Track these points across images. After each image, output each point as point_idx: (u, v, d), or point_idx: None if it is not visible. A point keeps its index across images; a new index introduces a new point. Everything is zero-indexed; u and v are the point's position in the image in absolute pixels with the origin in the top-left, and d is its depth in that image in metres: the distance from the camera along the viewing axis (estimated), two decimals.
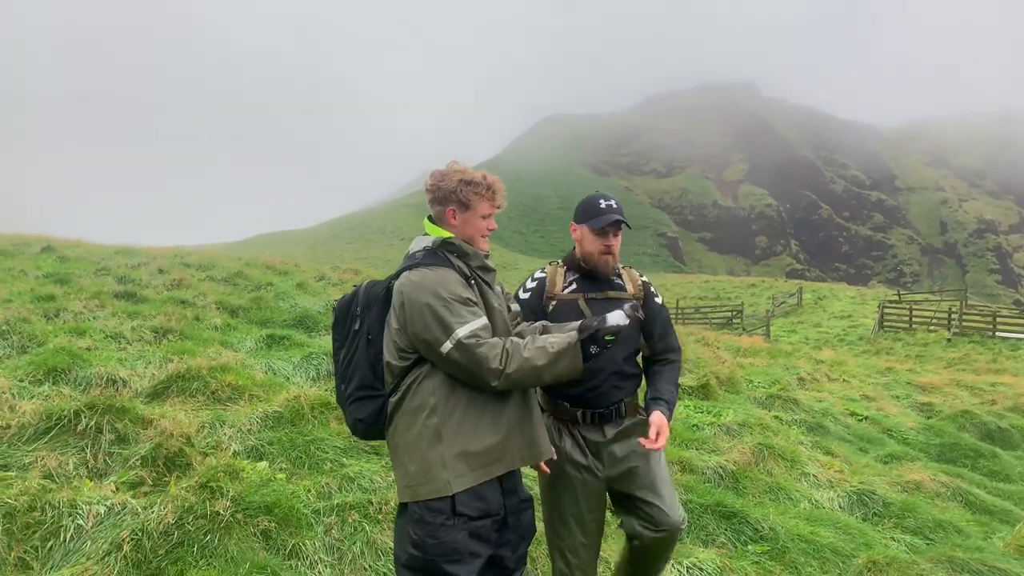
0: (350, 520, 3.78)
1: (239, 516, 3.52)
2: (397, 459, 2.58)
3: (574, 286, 3.19)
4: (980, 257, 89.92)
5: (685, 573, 4.03)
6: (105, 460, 4.18)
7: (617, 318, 2.61)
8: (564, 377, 2.55)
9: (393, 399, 2.59)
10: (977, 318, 31.87)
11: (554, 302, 3.16)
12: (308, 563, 3.46)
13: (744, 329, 30.39)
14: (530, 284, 3.25)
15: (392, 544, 3.75)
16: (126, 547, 3.08)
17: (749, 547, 4.51)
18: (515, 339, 2.56)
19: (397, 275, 2.64)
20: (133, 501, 3.48)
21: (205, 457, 4.31)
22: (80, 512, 3.35)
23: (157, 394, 5.64)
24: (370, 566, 3.54)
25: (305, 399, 5.37)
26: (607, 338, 2.60)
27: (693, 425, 7.39)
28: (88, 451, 4.19)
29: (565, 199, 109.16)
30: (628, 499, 3.09)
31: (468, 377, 2.50)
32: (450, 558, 2.45)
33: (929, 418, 10.41)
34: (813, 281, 67.43)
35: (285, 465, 4.55)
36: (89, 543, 3.20)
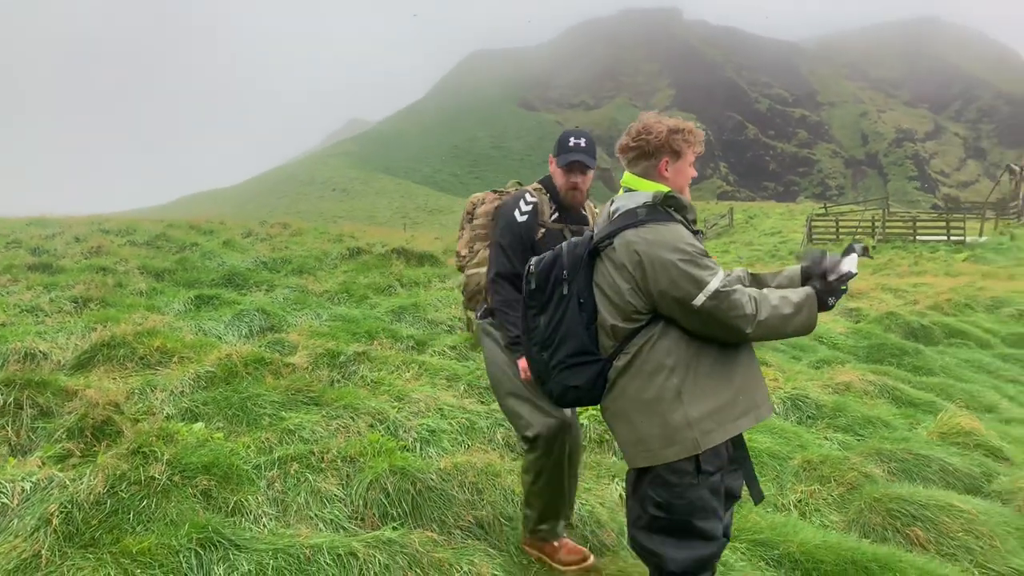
0: (292, 472, 3.74)
1: (176, 479, 3.44)
2: (625, 423, 2.50)
3: (557, 216, 3.33)
4: (899, 166, 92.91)
5: (618, 489, 4.13)
6: (28, 436, 4.02)
7: (851, 264, 2.51)
8: (801, 330, 2.49)
9: (619, 363, 2.49)
10: (899, 224, 33.11)
11: (543, 230, 3.27)
12: (252, 518, 3.41)
13: None
14: (525, 207, 3.33)
15: (337, 490, 3.77)
16: (55, 521, 2.97)
17: None
18: (754, 288, 2.51)
19: (609, 236, 2.51)
20: (60, 474, 3.36)
21: (136, 423, 4.19)
22: (3, 491, 3.22)
23: (82, 365, 5.44)
24: (316, 514, 3.52)
25: (238, 356, 5.26)
26: (842, 288, 2.51)
27: None
28: (9, 428, 4.02)
29: (498, 138, 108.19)
30: None
31: (719, 328, 2.41)
32: (699, 516, 2.44)
33: (857, 322, 10.82)
34: (744, 201, 68.84)
35: (222, 424, 4.46)
36: (16, 521, 3.08)
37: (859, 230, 32.90)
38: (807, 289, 2.49)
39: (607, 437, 4.93)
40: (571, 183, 3.31)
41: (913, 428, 5.87)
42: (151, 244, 12.47)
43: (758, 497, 2.68)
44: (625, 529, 3.81)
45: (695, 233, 2.53)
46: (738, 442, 2.57)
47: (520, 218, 3.29)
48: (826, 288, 2.49)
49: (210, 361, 5.18)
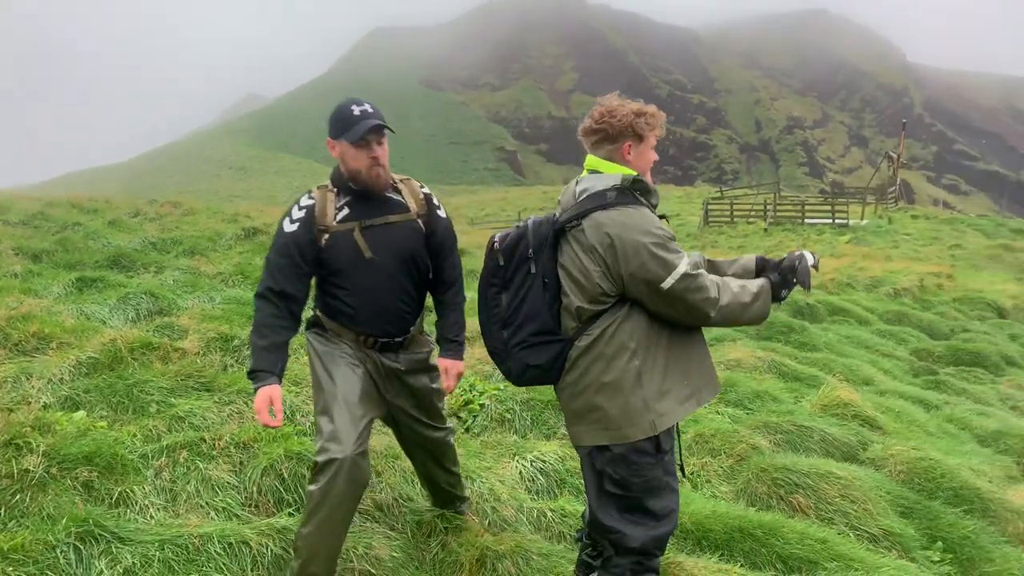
0: (182, 460, 3.60)
1: (54, 471, 3.25)
2: (581, 402, 2.55)
3: (346, 212, 2.84)
4: (790, 152, 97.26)
5: (528, 466, 4.18)
6: None
7: (811, 258, 2.64)
8: (756, 319, 2.58)
9: (581, 343, 2.51)
10: (789, 208, 34.68)
11: (327, 235, 2.80)
12: (138, 509, 3.27)
13: None
14: (297, 214, 2.82)
15: (229, 477, 3.65)
16: None
17: None
18: (714, 276, 2.55)
19: (577, 217, 2.51)
20: None
21: (9, 414, 3.93)
22: None
23: None
24: (207, 503, 3.40)
25: (123, 341, 4.99)
26: (794, 281, 2.60)
27: None
28: None
29: (402, 118, 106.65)
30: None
31: (685, 310, 2.47)
32: (655, 494, 2.55)
33: None
34: None
35: (106, 412, 4.23)
36: None
37: (752, 212, 34.29)
38: (763, 280, 2.59)
39: (508, 416, 4.98)
40: (372, 157, 2.80)
41: (798, 401, 6.18)
42: (27, 223, 11.68)
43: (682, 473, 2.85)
44: (524, 506, 3.90)
45: (660, 218, 2.57)
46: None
47: (289, 227, 2.81)
48: (781, 281, 2.59)
49: (93, 347, 4.90)
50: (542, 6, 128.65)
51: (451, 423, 3.44)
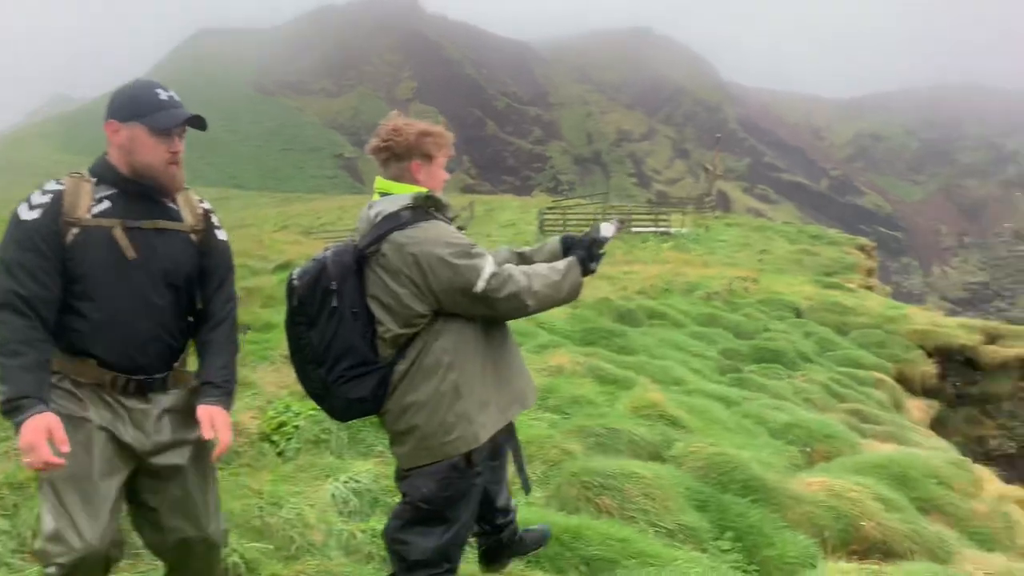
0: None
1: None
2: (404, 424, 2.52)
3: (106, 206, 2.32)
4: (620, 163, 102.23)
5: (342, 487, 4.10)
6: None
7: (607, 230, 2.75)
8: (572, 294, 2.63)
9: (401, 367, 2.50)
10: (617, 216, 36.29)
11: (75, 229, 2.26)
12: None
13: None
14: (38, 199, 2.28)
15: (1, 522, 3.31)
16: None
17: None
18: (521, 266, 2.59)
19: (375, 240, 2.47)
20: None
21: None
22: None
23: None
24: None
25: None
26: (600, 252, 2.70)
27: None
28: None
29: (231, 121, 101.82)
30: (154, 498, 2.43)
31: (504, 307, 2.50)
32: (454, 506, 2.55)
33: (575, 308, 11.72)
34: (485, 194, 71.57)
35: None
36: None
37: (584, 222, 35.68)
38: (570, 258, 2.66)
39: (325, 437, 4.86)
40: (172, 152, 2.37)
41: (612, 404, 6.46)
42: None
43: (527, 488, 2.98)
44: (334, 529, 3.82)
45: (459, 229, 2.60)
46: (509, 429, 2.75)
47: (27, 215, 2.24)
48: (587, 255, 2.68)
49: None
50: (378, 14, 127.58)
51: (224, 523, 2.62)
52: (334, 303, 2.47)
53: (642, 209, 44.39)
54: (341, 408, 2.57)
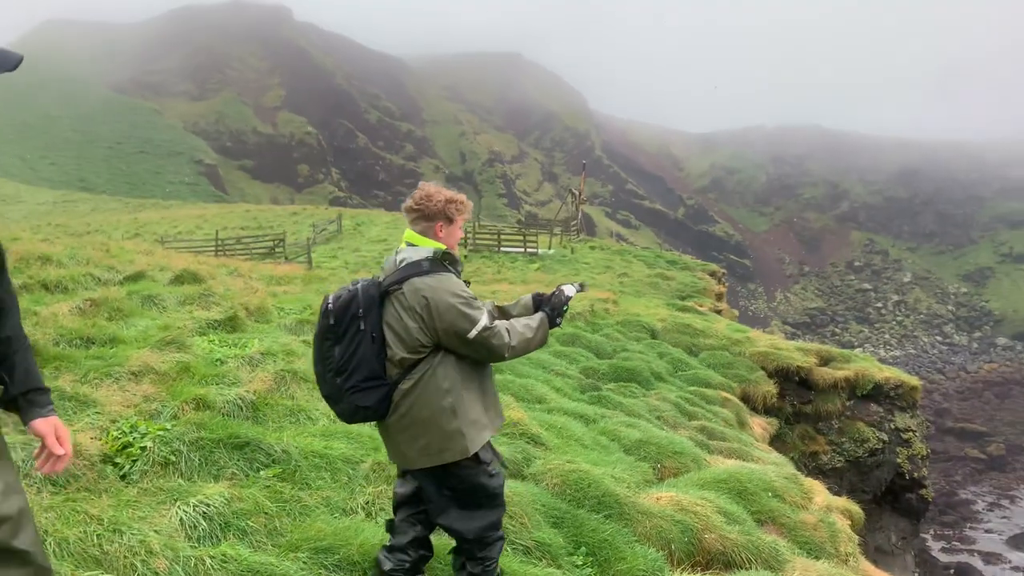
0: None
1: None
2: (407, 434, 3.14)
3: None
4: (491, 184, 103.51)
5: (191, 511, 3.93)
6: None
7: (570, 290, 3.46)
8: (539, 346, 3.33)
9: (404, 386, 3.10)
10: (487, 236, 36.80)
11: None
12: None
13: (287, 258, 30.48)
14: None
15: None
16: None
17: (261, 473, 4.58)
18: (505, 321, 3.24)
19: (398, 281, 3.11)
20: None
21: None
22: None
23: None
24: None
25: None
26: (564, 309, 3.40)
27: (217, 360, 7.18)
28: None
29: (81, 121, 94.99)
30: None
31: (486, 353, 3.15)
32: (478, 492, 3.25)
33: None
34: (355, 208, 70.41)
35: None
36: None
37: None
38: (540, 314, 3.35)
39: (173, 459, 4.63)
40: None
41: None
42: None
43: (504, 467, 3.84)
44: (181, 555, 3.64)
45: (465, 283, 3.21)
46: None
47: None
48: (552, 312, 3.37)
49: None
50: (245, 18, 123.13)
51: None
52: (361, 326, 3.07)
53: (511, 230, 45.11)
54: (349, 412, 3.14)
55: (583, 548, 4.45)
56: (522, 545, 4.24)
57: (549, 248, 35.75)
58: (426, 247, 3.18)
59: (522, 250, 34.31)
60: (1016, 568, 31.04)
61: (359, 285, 3.16)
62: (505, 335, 3.15)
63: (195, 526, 3.88)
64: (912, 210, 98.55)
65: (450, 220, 3.24)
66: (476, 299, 3.16)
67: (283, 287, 13.67)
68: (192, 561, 3.50)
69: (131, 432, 4.76)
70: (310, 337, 8.97)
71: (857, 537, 7.01)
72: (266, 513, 4.05)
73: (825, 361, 15.70)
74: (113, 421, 4.94)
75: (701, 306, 22.15)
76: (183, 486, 4.28)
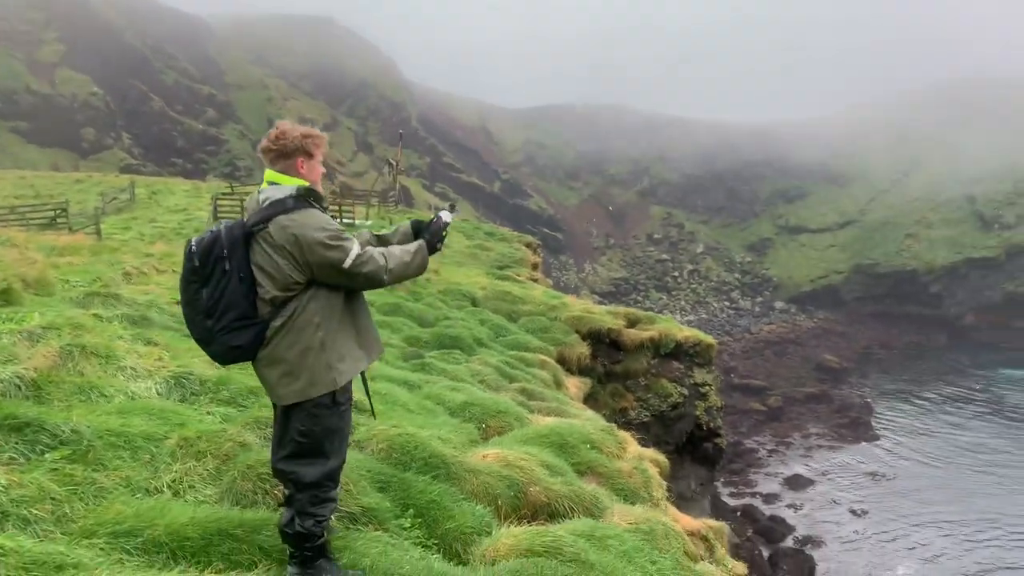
0: None
1: None
2: (279, 370, 3.12)
3: None
4: None
5: None
6: None
7: (447, 216, 3.51)
8: (419, 270, 3.33)
9: (276, 323, 3.09)
10: None
11: None
12: None
13: (71, 229, 27.49)
14: None
15: None
16: None
17: (47, 455, 4.06)
18: (380, 248, 3.27)
19: (263, 220, 3.06)
20: None
21: None
22: None
23: None
24: None
25: None
26: (443, 234, 3.42)
27: None
28: None
29: None
30: None
31: (365, 281, 3.15)
32: (329, 438, 3.21)
33: None
34: (149, 176, 64.92)
35: None
36: None
37: None
38: (419, 241, 3.36)
39: None
40: None
41: None
42: None
43: (374, 414, 4.56)
44: None
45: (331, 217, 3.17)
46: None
47: None
48: (432, 238, 3.38)
49: None
50: None
51: None
52: (227, 267, 3.03)
53: (327, 201, 43.67)
54: (222, 353, 3.11)
55: (411, 510, 4.37)
56: (347, 512, 4.08)
57: (367, 219, 35.00)
58: (289, 184, 3.15)
59: (338, 221, 33.31)
60: (790, 505, 34.94)
61: (222, 226, 3.14)
62: (381, 259, 3.16)
63: None
64: (705, 186, 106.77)
65: (309, 155, 3.24)
66: (344, 231, 3.17)
67: (67, 258, 12.33)
68: None
69: None
70: (101, 311, 8.15)
71: (665, 483, 7.49)
72: (53, 499, 3.60)
73: (632, 323, 16.65)
74: None
75: (519, 276, 22.68)
76: None
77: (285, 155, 3.20)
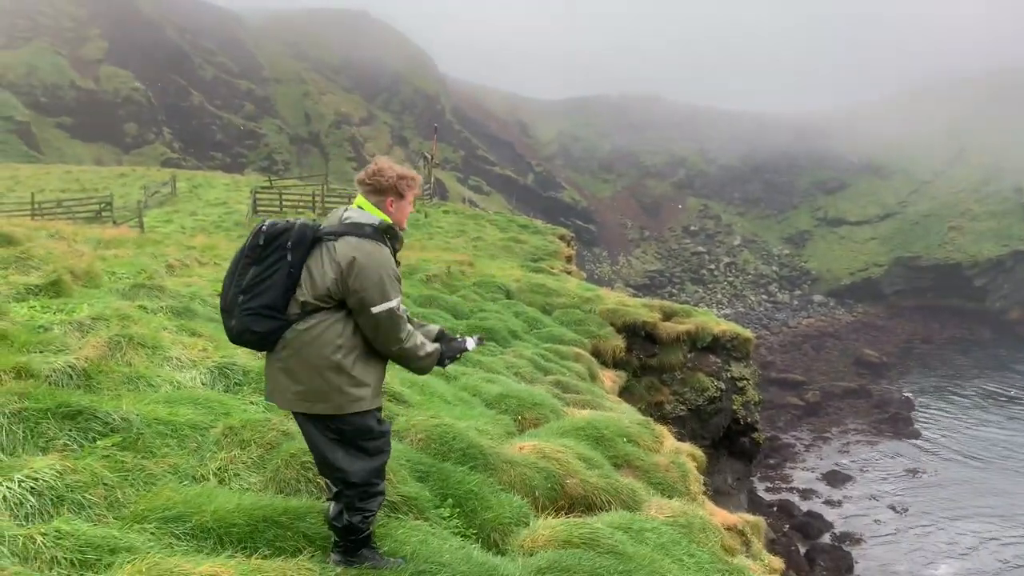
0: None
1: None
2: (290, 376, 3.15)
3: None
4: (339, 146, 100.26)
5: (16, 488, 3.53)
6: None
7: (471, 344, 3.60)
8: (421, 370, 3.43)
9: (299, 327, 3.12)
10: (337, 200, 35.70)
11: None
12: None
13: (115, 222, 28.13)
14: None
15: None
16: None
17: (99, 443, 4.19)
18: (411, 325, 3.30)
19: (337, 233, 3.17)
20: None
21: None
22: None
23: None
24: None
25: None
26: (457, 357, 3.54)
27: (39, 327, 6.51)
28: None
29: None
30: None
31: (379, 335, 3.16)
32: (364, 437, 3.23)
33: None
34: (189, 170, 66.04)
35: None
36: None
37: (301, 203, 34.54)
38: (438, 346, 3.43)
39: None
40: None
41: None
42: None
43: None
44: (6, 535, 3.26)
45: (396, 263, 3.27)
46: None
47: None
48: (447, 351, 3.46)
49: None
50: None
51: None
52: (287, 257, 3.12)
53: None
54: (238, 330, 3.15)
55: (450, 500, 4.43)
56: (388, 500, 4.14)
57: None
58: (374, 215, 3.25)
59: None
60: (828, 501, 34.50)
61: (298, 222, 3.26)
62: (404, 331, 3.20)
63: (21, 503, 3.50)
64: (743, 178, 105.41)
65: (400, 195, 3.33)
66: (399, 282, 3.23)
67: (113, 251, 12.63)
68: (20, 540, 3.16)
69: None
70: (147, 302, 8.36)
71: (702, 477, 7.47)
72: (106, 484, 3.72)
73: (668, 316, 16.55)
74: None
75: (553, 268, 22.68)
76: (4, 461, 3.84)
77: (378, 192, 3.30)
